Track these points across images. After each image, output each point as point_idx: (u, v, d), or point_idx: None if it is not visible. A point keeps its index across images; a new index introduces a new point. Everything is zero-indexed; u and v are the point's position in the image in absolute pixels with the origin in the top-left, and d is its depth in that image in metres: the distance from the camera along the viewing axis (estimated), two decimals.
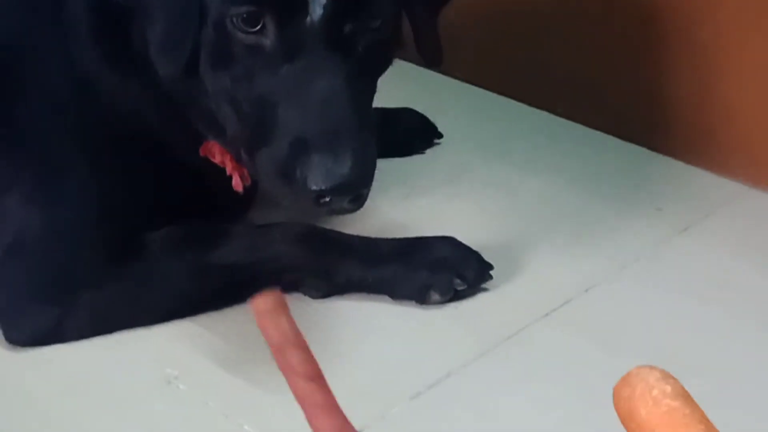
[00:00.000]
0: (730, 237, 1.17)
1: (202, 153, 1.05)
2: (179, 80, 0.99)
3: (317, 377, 0.59)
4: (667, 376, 0.66)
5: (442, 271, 1.06)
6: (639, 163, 1.31)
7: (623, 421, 0.65)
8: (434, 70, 1.46)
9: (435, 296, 1.06)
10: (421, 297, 1.06)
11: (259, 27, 0.92)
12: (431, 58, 1.06)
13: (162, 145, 1.06)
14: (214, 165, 1.05)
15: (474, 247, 1.09)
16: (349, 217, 1.18)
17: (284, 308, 0.58)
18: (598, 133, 1.36)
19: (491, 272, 1.08)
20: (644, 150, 1.33)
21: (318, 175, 0.90)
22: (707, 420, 0.64)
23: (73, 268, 1.01)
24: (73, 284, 1.01)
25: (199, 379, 0.98)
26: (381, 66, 1.01)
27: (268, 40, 0.93)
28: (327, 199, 0.92)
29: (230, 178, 1.05)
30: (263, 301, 0.59)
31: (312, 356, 0.59)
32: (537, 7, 1.40)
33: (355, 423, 0.93)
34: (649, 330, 1.04)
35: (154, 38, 0.97)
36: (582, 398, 0.95)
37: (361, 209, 1.20)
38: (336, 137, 0.91)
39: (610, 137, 1.35)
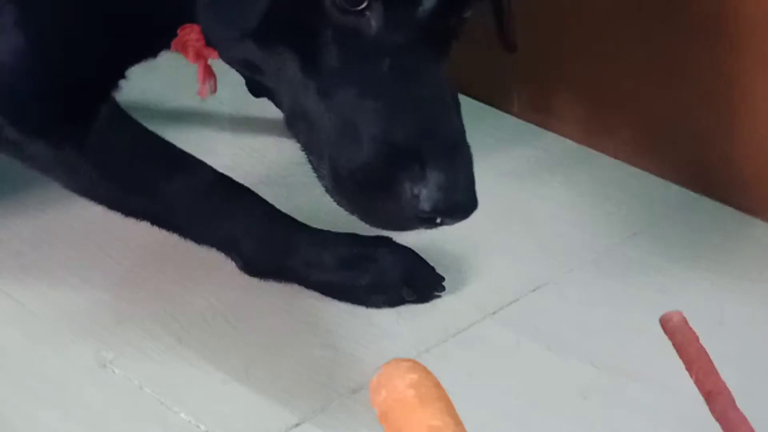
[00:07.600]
0: (677, 244, 1.17)
1: (172, 48, 0.96)
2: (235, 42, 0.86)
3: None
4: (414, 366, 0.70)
5: (390, 283, 1.03)
6: (590, 165, 1.31)
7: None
8: None
9: (382, 304, 1.03)
10: (366, 303, 1.03)
11: (364, 6, 0.80)
12: (512, 44, 0.99)
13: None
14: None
15: (422, 242, 1.07)
16: (299, 209, 1.17)
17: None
18: (549, 134, 1.36)
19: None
20: (595, 153, 1.33)
21: (435, 196, 0.79)
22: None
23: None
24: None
25: (136, 363, 0.96)
26: None
27: (373, 26, 0.80)
28: (438, 221, 0.82)
29: None
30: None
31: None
32: None
33: (295, 414, 0.92)
34: (594, 332, 1.03)
35: None
36: (525, 398, 0.95)
37: (312, 202, 1.19)
38: (453, 154, 0.81)
39: (562, 138, 1.35)
